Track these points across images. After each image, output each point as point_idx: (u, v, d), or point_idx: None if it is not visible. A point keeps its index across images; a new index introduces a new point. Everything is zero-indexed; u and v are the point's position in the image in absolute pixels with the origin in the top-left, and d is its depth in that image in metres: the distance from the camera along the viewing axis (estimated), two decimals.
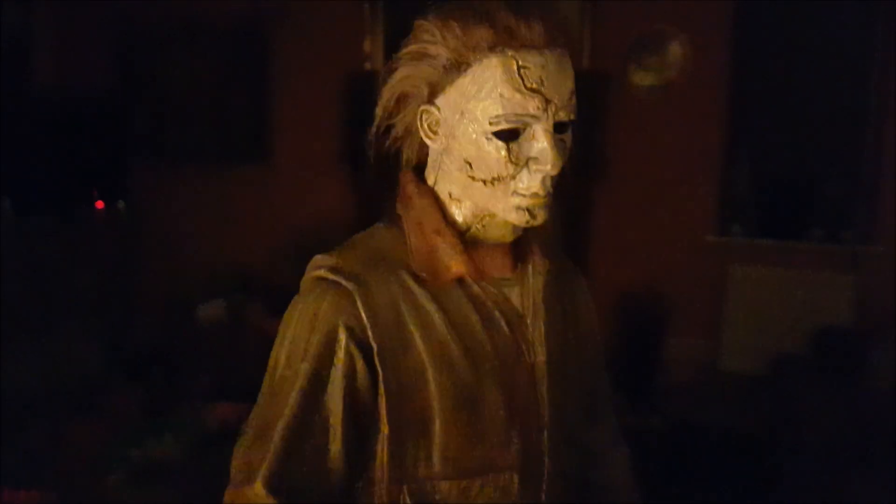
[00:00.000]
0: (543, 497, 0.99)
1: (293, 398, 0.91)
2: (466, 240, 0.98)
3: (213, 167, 4.57)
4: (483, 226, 0.98)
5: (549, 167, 0.91)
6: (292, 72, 4.46)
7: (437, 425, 0.93)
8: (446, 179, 0.98)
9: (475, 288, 0.97)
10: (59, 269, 3.90)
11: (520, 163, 0.92)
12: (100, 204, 4.42)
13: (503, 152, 0.91)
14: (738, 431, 3.48)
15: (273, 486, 0.89)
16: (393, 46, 0.98)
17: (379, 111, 0.98)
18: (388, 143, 1.00)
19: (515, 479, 0.96)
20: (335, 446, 0.91)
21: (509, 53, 0.89)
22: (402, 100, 0.97)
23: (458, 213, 0.98)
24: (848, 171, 4.19)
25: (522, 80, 0.89)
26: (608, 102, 4.02)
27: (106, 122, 4.42)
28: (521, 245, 1.03)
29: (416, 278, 0.95)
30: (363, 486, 0.95)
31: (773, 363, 3.98)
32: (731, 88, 4.12)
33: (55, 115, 4.19)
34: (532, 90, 0.89)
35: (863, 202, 4.14)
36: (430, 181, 1.00)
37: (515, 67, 0.89)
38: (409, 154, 1.02)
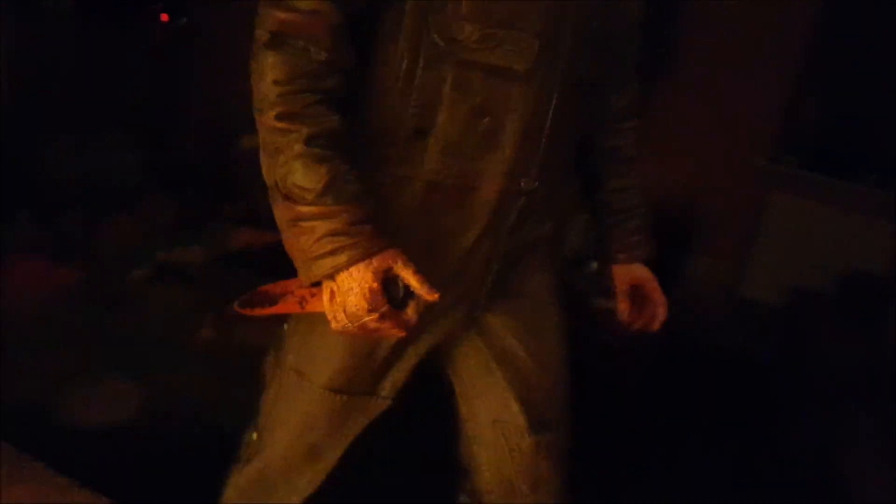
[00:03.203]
0: (558, 79, 1.04)
1: None
2: None
3: None
4: None
5: None
6: None
7: None
8: None
9: None
10: (113, 72, 3.96)
11: None
12: (164, 17, 4.42)
13: None
14: (745, 356, 3.50)
15: None
16: None
17: None
18: None
19: (536, 46, 1.01)
20: None
21: None
22: None
23: None
24: None
25: None
26: (693, 3, 3.86)
27: None
28: None
29: None
30: (394, 28, 1.00)
31: (794, 298, 3.96)
32: (819, 15, 3.91)
33: None
34: None
35: None
36: None
37: None
38: None
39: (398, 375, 1.17)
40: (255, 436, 1.26)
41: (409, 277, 0.94)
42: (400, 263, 0.94)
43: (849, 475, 2.63)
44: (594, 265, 3.57)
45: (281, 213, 0.96)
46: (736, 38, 3.92)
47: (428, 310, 0.98)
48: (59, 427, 2.10)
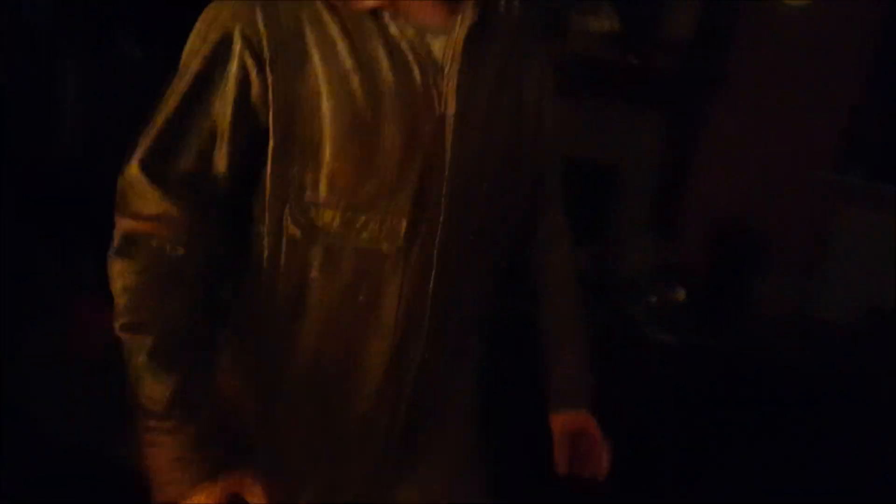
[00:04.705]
0: (435, 253, 0.98)
1: (179, 91, 0.92)
2: None
3: None
4: None
5: None
6: None
7: (327, 152, 0.92)
8: None
9: (392, 28, 0.93)
10: None
11: None
12: None
13: None
14: (816, 376, 3.35)
15: (148, 168, 0.92)
16: None
17: None
18: None
19: (403, 224, 0.95)
20: (221, 151, 0.92)
21: None
22: None
23: None
24: None
25: None
26: (748, 12, 3.75)
27: None
28: None
29: (331, 8, 0.92)
30: (258, 210, 0.97)
31: (868, 316, 3.79)
32: (882, 24, 3.78)
33: None
34: None
35: None
36: None
37: None
38: None
39: None
40: None
41: (255, 500, 0.92)
42: (247, 486, 0.92)
43: None
44: (653, 298, 3.49)
45: (138, 422, 0.93)
46: (799, 48, 3.80)
47: (327, 484, 0.96)
48: (116, 466, 2.11)
